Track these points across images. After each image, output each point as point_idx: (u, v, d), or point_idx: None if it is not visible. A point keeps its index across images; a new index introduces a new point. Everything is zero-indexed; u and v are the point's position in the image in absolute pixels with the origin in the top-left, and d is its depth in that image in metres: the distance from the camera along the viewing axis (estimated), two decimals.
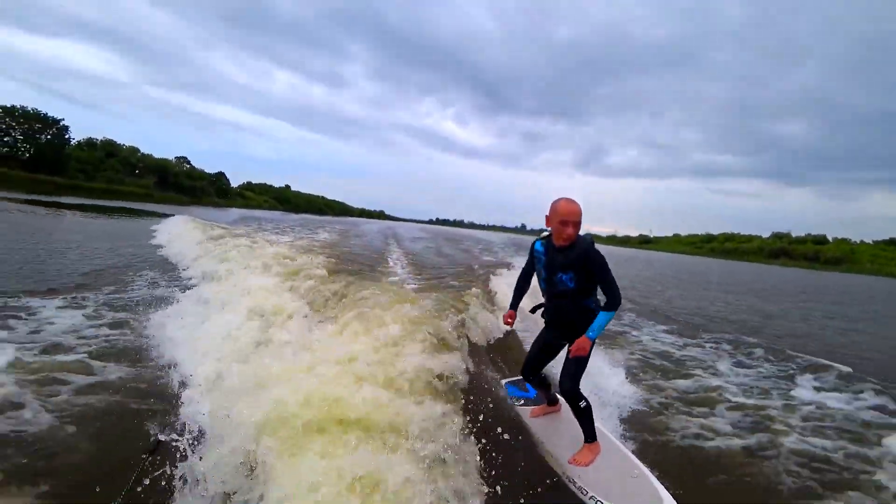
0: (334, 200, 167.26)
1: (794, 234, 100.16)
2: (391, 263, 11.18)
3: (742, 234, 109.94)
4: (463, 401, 2.96)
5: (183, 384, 3.72)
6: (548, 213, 2.87)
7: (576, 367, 2.91)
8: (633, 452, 3.11)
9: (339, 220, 57.45)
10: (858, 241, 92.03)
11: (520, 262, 13.44)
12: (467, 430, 2.73)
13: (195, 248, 10.38)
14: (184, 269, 9.05)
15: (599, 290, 2.97)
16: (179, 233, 13.56)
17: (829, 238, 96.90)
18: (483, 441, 2.78)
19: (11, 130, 53.18)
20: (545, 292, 3.09)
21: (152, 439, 2.91)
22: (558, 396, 3.45)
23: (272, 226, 21.97)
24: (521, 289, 3.37)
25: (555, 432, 3.31)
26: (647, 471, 2.83)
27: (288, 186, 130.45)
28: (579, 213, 2.76)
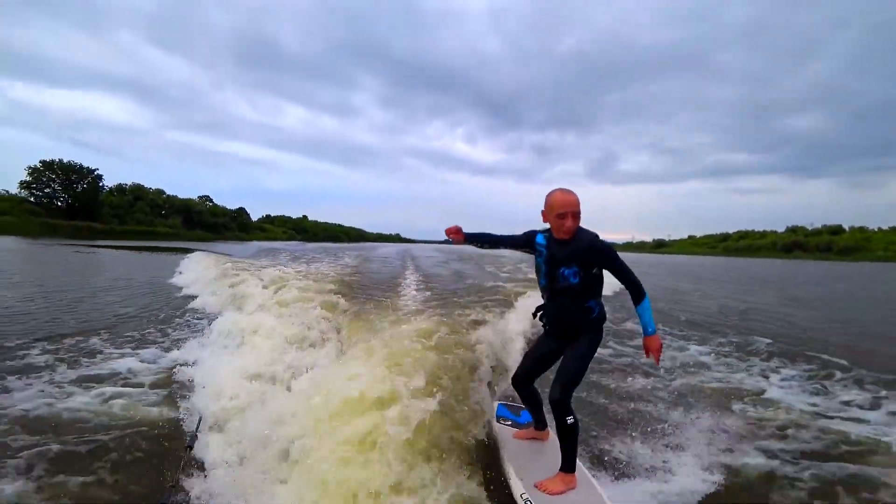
0: (351, 227, 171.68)
1: (814, 226, 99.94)
2: (404, 285, 11.46)
3: (757, 230, 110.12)
4: (439, 413, 2.79)
5: (202, 420, 3.71)
6: (543, 208, 2.66)
7: (571, 375, 2.63)
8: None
9: (356, 246, 59.43)
10: (875, 229, 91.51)
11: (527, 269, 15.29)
12: (435, 447, 2.61)
13: (210, 284, 10.63)
14: (198, 305, 9.07)
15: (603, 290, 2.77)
16: (196, 268, 14.03)
17: (846, 228, 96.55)
18: (446, 456, 2.63)
19: (51, 182, 57.91)
20: (545, 290, 2.82)
21: (189, 434, 3.24)
22: (548, 424, 3.13)
23: (288, 256, 22.46)
24: (488, 237, 2.93)
25: (532, 457, 2.97)
26: None
27: (305, 217, 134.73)
28: (577, 203, 2.56)
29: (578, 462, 2.75)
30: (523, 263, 21.03)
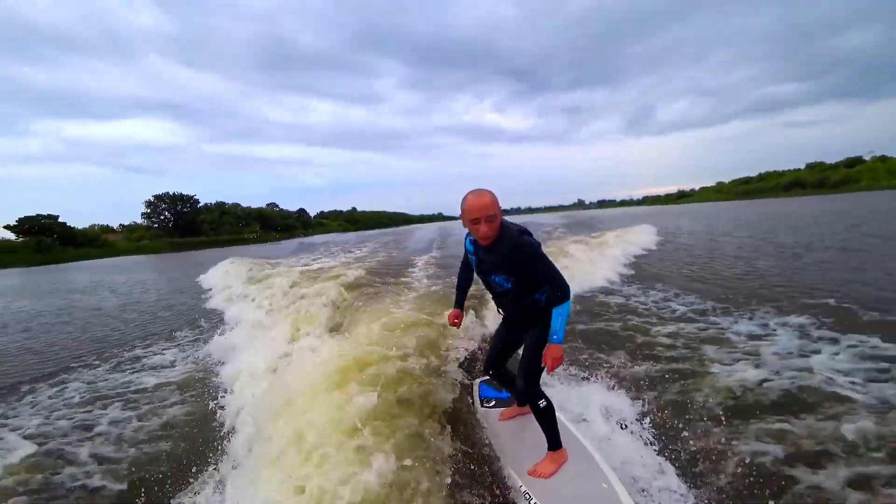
0: (396, 213, 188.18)
1: (839, 160, 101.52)
2: (416, 270, 11.80)
3: (777, 171, 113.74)
4: (425, 406, 2.89)
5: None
6: (460, 213, 2.43)
7: (531, 363, 2.57)
8: (612, 463, 2.65)
9: (397, 230, 69.38)
10: None
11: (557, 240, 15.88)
12: (424, 440, 2.61)
13: (237, 286, 11.07)
14: (222, 307, 9.84)
15: None
16: (227, 273, 14.20)
17: (867, 158, 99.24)
18: (441, 451, 2.63)
19: (165, 210, 75.48)
20: (489, 291, 2.75)
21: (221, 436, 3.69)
22: None
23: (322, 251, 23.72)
24: (462, 285, 3.04)
25: (521, 439, 2.97)
26: (617, 483, 2.42)
27: (354, 209, 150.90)
28: (490, 205, 2.32)
29: (570, 427, 2.87)
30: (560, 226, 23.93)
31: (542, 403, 2.60)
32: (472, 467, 2.82)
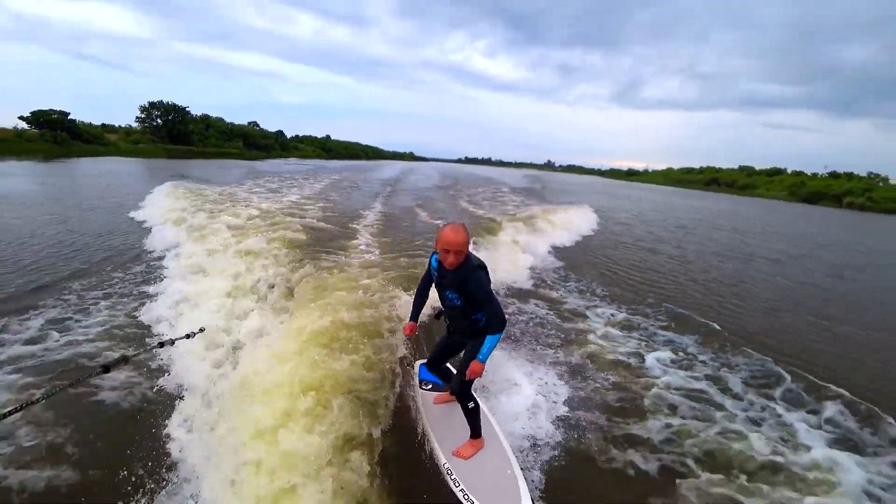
0: (368, 146, 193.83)
1: (855, 170, 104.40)
2: (364, 225, 12.42)
3: (716, 167, 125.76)
4: (368, 384, 3.45)
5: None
6: (435, 240, 2.98)
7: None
8: (515, 452, 3.34)
9: (364, 164, 75.03)
10: (811, 174, 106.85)
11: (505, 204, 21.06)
12: (363, 415, 3.15)
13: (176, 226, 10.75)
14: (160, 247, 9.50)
15: None
16: (164, 205, 13.60)
17: (789, 171, 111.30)
18: (378, 425, 3.21)
19: (157, 118, 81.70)
20: (442, 304, 3.30)
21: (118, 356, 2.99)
22: None
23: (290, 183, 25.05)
24: (420, 301, 3.52)
25: (449, 423, 3.54)
26: (518, 472, 3.04)
27: (328, 136, 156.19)
28: (461, 243, 2.88)
29: (492, 422, 3.54)
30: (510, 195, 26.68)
31: (471, 405, 3.26)
32: (406, 440, 3.41)
